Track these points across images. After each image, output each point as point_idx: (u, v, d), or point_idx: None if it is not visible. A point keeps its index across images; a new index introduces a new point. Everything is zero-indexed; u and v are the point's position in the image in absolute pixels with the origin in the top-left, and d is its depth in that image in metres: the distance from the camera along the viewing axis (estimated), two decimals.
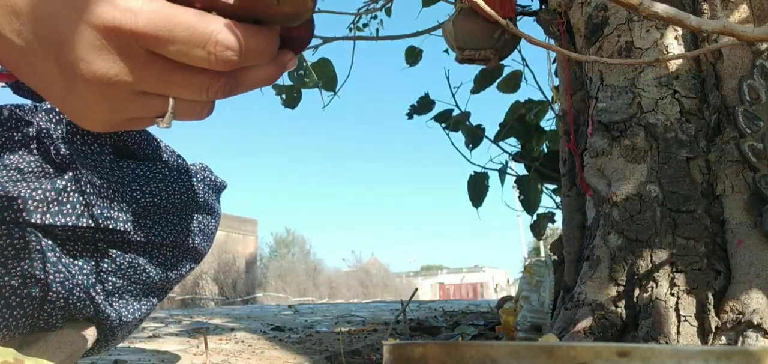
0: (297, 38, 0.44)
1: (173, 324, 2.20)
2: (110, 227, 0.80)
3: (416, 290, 2.28)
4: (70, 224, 0.76)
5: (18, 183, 0.74)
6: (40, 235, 0.74)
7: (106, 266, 0.80)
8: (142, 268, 0.84)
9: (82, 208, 0.78)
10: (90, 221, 0.78)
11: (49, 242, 0.75)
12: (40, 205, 0.74)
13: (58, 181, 0.76)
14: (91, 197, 0.79)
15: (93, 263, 0.79)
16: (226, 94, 0.43)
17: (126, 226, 0.82)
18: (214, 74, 0.41)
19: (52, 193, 0.75)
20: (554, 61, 1.53)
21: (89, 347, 0.83)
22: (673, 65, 1.10)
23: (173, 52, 0.39)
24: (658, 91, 1.11)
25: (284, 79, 2.33)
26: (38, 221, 0.73)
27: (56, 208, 0.75)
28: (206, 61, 0.39)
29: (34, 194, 0.74)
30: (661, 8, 0.47)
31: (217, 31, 0.38)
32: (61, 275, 0.75)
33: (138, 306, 0.86)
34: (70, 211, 0.76)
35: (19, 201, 0.73)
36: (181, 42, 0.38)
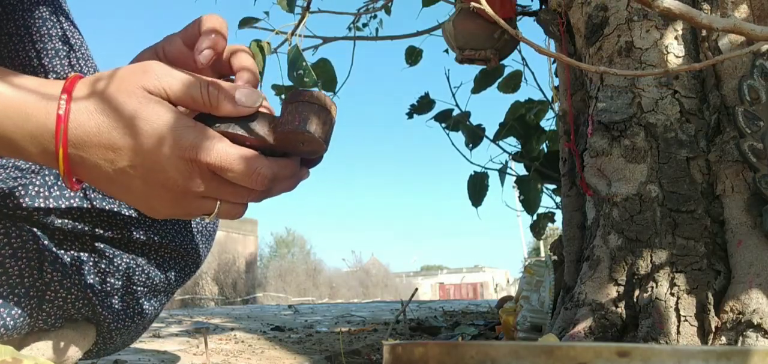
0: (313, 160, 0.62)
1: (173, 324, 2.20)
2: (109, 224, 0.80)
3: (416, 290, 2.28)
4: (68, 224, 0.76)
5: (16, 180, 0.74)
6: (37, 233, 0.74)
7: (104, 266, 0.80)
8: (141, 269, 0.83)
9: (80, 201, 0.77)
10: (88, 219, 0.78)
11: (47, 241, 0.75)
12: (42, 189, 0.74)
13: (54, 177, 0.76)
14: (89, 192, 0.78)
15: (91, 264, 0.79)
16: (259, 201, 0.60)
17: (125, 224, 0.81)
18: (254, 189, 0.57)
19: (51, 178, 0.75)
20: (554, 61, 1.53)
21: (88, 349, 0.83)
22: (674, 65, 1.10)
23: (229, 177, 0.55)
24: (658, 91, 1.11)
25: (284, 79, 2.33)
26: (41, 205, 0.73)
27: (57, 192, 0.75)
28: (250, 184, 0.56)
29: (30, 192, 0.74)
30: (674, 5, 0.47)
31: (260, 167, 0.55)
32: (59, 274, 0.75)
33: (139, 309, 0.86)
34: (71, 194, 0.76)
35: (20, 188, 0.73)
36: (236, 172, 0.55)
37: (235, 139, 0.56)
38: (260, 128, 0.56)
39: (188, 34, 0.65)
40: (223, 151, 0.54)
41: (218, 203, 0.58)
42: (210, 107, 0.56)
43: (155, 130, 0.53)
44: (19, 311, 0.71)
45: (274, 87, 2.46)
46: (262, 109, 0.58)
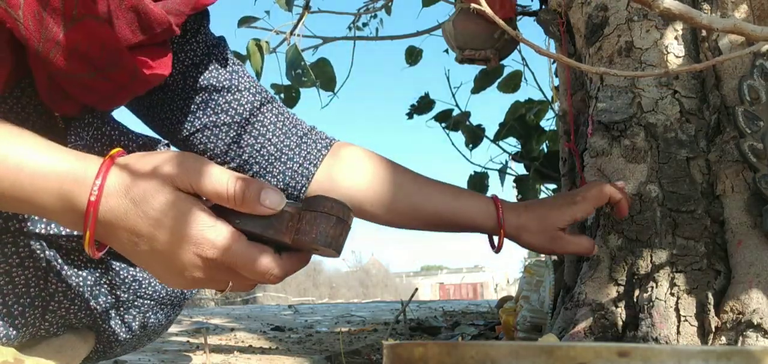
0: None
1: (173, 324, 2.20)
2: None
3: (416, 290, 2.28)
4: (74, 233, 0.76)
5: None
6: (44, 244, 0.74)
7: (110, 279, 0.80)
8: (148, 282, 0.83)
9: None
10: None
11: (53, 253, 0.75)
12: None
13: None
14: None
15: (97, 275, 0.79)
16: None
17: None
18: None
19: None
20: (554, 61, 1.53)
21: (88, 355, 0.83)
22: (674, 65, 1.10)
23: (243, 272, 0.59)
24: (658, 91, 1.11)
25: (282, 79, 2.33)
26: (42, 232, 0.73)
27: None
28: (262, 281, 0.60)
29: None
30: (673, 5, 0.47)
31: (271, 268, 0.59)
32: (64, 285, 0.75)
33: (143, 321, 0.85)
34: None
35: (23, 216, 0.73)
36: (248, 271, 0.58)
37: (251, 235, 0.58)
38: (279, 228, 0.58)
39: None
40: (239, 252, 0.57)
41: (230, 283, 0.62)
42: (234, 205, 0.57)
43: (179, 227, 0.56)
44: (23, 321, 0.71)
45: (274, 86, 2.46)
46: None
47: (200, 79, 0.87)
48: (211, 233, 0.56)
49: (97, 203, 0.56)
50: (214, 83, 0.88)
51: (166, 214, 0.56)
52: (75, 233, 0.76)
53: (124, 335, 0.83)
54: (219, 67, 0.89)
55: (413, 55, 2.69)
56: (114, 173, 0.57)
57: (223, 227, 0.57)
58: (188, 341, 1.72)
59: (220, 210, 0.58)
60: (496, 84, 2.41)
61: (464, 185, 2.40)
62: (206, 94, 0.87)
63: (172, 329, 2.01)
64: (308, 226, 0.57)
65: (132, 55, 0.67)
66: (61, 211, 0.57)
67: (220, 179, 0.57)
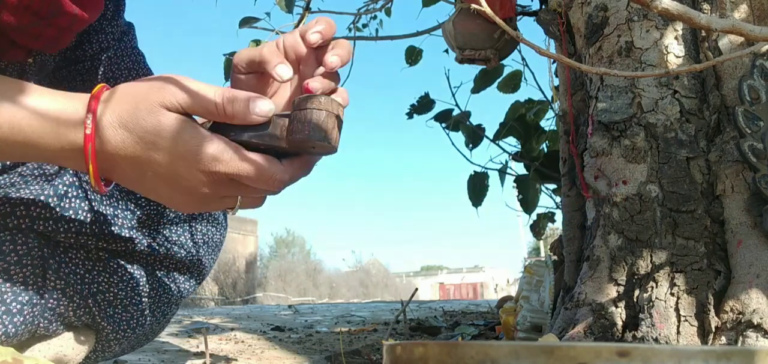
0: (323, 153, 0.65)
1: (173, 324, 2.20)
2: (113, 235, 0.80)
3: (416, 290, 2.28)
4: (72, 229, 0.76)
5: (21, 189, 0.74)
6: (42, 242, 0.74)
7: (108, 277, 0.80)
8: (145, 280, 0.83)
9: (84, 213, 0.77)
10: (94, 227, 0.78)
11: (51, 250, 0.75)
12: (43, 211, 0.74)
13: (60, 185, 0.76)
14: (94, 203, 0.78)
15: (95, 273, 0.79)
16: (276, 193, 0.64)
17: (130, 233, 0.81)
18: (271, 188, 0.61)
19: (55, 199, 0.75)
20: (554, 61, 1.53)
21: (87, 354, 0.83)
22: (674, 65, 1.10)
23: (246, 181, 0.59)
24: (658, 91, 1.11)
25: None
26: (40, 229, 0.73)
27: (59, 213, 0.75)
28: (267, 188, 0.60)
29: (36, 201, 0.74)
30: (672, 5, 0.47)
31: (275, 173, 0.59)
32: (62, 283, 0.75)
33: (141, 320, 0.85)
34: (72, 216, 0.76)
35: (22, 207, 0.73)
36: (252, 179, 0.59)
37: (249, 146, 0.59)
38: (274, 134, 0.59)
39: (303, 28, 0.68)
40: (239, 162, 0.58)
41: (239, 198, 0.63)
42: (225, 118, 0.58)
43: (175, 145, 0.57)
44: (22, 319, 0.71)
45: None
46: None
47: (110, 65, 0.87)
48: (209, 147, 0.57)
49: (93, 135, 0.57)
50: (119, 67, 0.88)
51: (160, 135, 0.56)
52: (73, 238, 0.76)
53: (122, 333, 0.83)
54: (126, 55, 0.89)
55: (413, 55, 2.69)
56: (104, 105, 0.58)
57: (218, 139, 0.58)
58: (188, 341, 1.72)
59: (215, 127, 0.59)
60: (496, 84, 2.41)
61: (464, 186, 2.40)
62: (112, 78, 0.87)
63: (172, 329, 2.01)
64: (300, 124, 0.58)
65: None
66: (60, 150, 0.58)
67: (208, 94, 0.58)
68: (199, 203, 0.62)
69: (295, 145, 0.59)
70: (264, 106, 0.58)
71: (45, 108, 0.57)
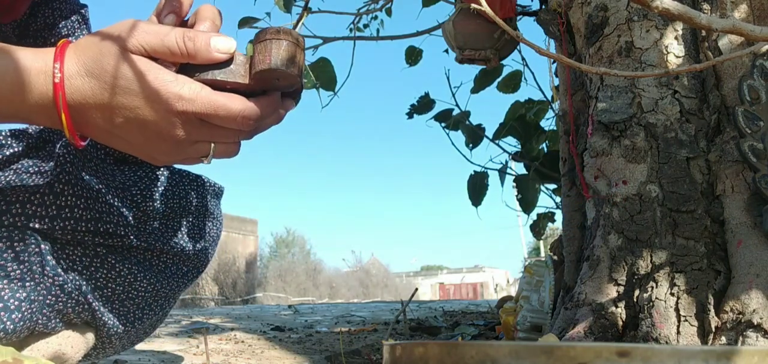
0: (293, 92, 0.67)
1: (173, 324, 2.20)
2: (109, 231, 0.80)
3: (416, 290, 2.28)
4: (68, 226, 0.76)
5: (17, 186, 0.74)
6: (39, 238, 0.74)
7: (105, 272, 0.80)
8: (143, 275, 0.83)
9: (81, 210, 0.77)
10: (91, 223, 0.78)
11: (49, 246, 0.75)
12: (39, 209, 0.74)
13: (56, 184, 0.76)
14: (91, 199, 0.78)
15: (92, 269, 0.79)
16: (249, 138, 0.66)
17: (127, 228, 0.81)
18: (242, 129, 0.62)
19: (50, 197, 0.75)
20: (554, 61, 1.53)
21: (87, 352, 0.83)
22: (674, 65, 1.10)
23: (216, 121, 0.60)
24: (658, 91, 1.11)
25: None
26: (37, 226, 0.73)
27: (55, 212, 0.75)
28: (237, 126, 0.61)
29: (32, 198, 0.73)
30: (672, 5, 0.47)
31: (242, 109, 0.60)
32: (60, 278, 0.75)
33: (139, 314, 0.85)
34: (68, 215, 0.76)
35: (18, 204, 0.73)
36: (221, 118, 0.60)
37: (215, 86, 0.60)
38: (237, 71, 0.60)
39: (157, 9, 0.69)
40: (206, 99, 0.59)
41: (212, 145, 0.63)
42: (188, 57, 0.59)
43: (140, 87, 0.57)
44: (20, 315, 0.71)
45: None
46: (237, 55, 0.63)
47: (68, 34, 0.89)
48: (174, 87, 0.58)
49: (62, 84, 0.57)
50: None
51: (126, 78, 0.57)
52: (69, 234, 0.76)
53: (122, 329, 0.83)
54: (86, 26, 0.91)
55: (413, 55, 2.69)
56: (70, 56, 0.58)
57: (184, 79, 0.59)
58: (188, 341, 1.72)
59: (181, 69, 0.60)
60: (496, 84, 2.41)
61: (464, 186, 2.40)
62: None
63: (172, 329, 2.01)
64: (261, 55, 0.59)
65: None
66: (34, 106, 0.58)
67: (169, 35, 0.58)
68: (173, 150, 0.62)
69: (260, 80, 0.60)
70: (225, 43, 0.59)
71: (13, 63, 0.58)
